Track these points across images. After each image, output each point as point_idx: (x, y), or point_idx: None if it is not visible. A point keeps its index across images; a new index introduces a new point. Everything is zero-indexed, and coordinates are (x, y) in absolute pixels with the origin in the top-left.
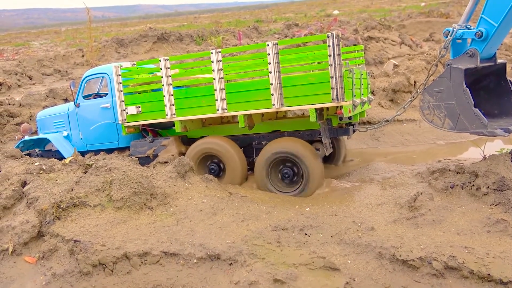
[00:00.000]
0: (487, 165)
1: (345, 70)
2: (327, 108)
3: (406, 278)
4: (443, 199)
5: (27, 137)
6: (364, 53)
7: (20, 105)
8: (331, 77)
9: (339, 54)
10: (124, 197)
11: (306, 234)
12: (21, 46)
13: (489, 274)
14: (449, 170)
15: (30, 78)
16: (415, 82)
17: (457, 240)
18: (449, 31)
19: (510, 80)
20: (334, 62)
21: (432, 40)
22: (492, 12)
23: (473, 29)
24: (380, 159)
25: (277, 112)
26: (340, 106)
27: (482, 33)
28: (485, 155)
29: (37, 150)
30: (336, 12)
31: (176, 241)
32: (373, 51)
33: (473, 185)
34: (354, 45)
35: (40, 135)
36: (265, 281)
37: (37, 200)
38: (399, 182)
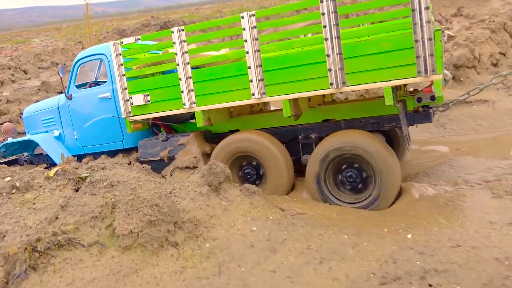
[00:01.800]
0: None
1: (436, 30)
2: (399, 86)
3: None
4: None
5: (10, 140)
6: None
7: (8, 101)
8: (416, 41)
9: (427, 8)
10: (135, 230)
11: (431, 286)
12: (21, 43)
13: None
14: None
15: (25, 72)
16: (479, 55)
17: None
18: None
19: None
20: (421, 18)
21: (461, 15)
22: None
23: None
24: (452, 151)
25: (324, 96)
26: (430, 82)
27: None
28: None
29: (25, 154)
30: None
31: None
32: None
33: None
34: None
35: (27, 136)
36: None
37: (4, 237)
38: None
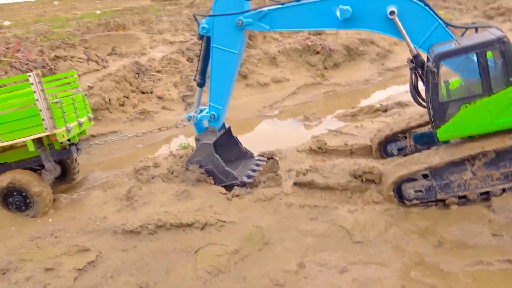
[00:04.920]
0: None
1: (52, 103)
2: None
3: None
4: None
5: None
6: (54, 73)
7: None
8: (40, 111)
9: (42, 90)
10: None
11: None
12: None
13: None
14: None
15: None
16: (109, 100)
17: None
18: (191, 117)
19: (235, 137)
20: (39, 97)
21: (115, 53)
22: (216, 99)
23: (206, 111)
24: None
25: None
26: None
27: (214, 115)
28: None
29: None
30: (7, 23)
31: None
32: (63, 70)
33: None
34: (43, 66)
35: None
36: None
37: None
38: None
